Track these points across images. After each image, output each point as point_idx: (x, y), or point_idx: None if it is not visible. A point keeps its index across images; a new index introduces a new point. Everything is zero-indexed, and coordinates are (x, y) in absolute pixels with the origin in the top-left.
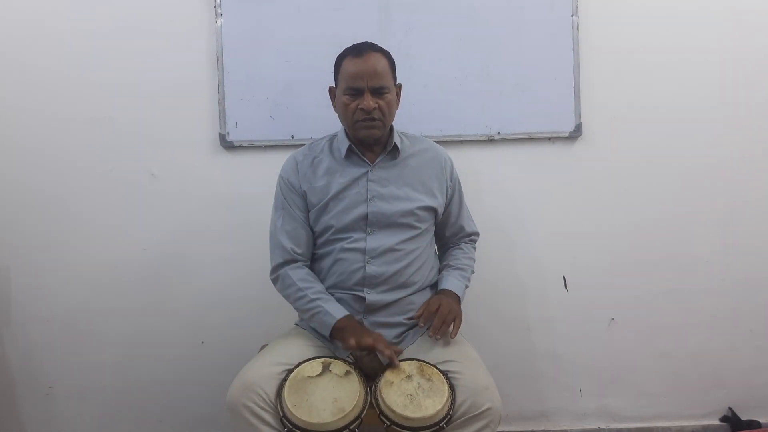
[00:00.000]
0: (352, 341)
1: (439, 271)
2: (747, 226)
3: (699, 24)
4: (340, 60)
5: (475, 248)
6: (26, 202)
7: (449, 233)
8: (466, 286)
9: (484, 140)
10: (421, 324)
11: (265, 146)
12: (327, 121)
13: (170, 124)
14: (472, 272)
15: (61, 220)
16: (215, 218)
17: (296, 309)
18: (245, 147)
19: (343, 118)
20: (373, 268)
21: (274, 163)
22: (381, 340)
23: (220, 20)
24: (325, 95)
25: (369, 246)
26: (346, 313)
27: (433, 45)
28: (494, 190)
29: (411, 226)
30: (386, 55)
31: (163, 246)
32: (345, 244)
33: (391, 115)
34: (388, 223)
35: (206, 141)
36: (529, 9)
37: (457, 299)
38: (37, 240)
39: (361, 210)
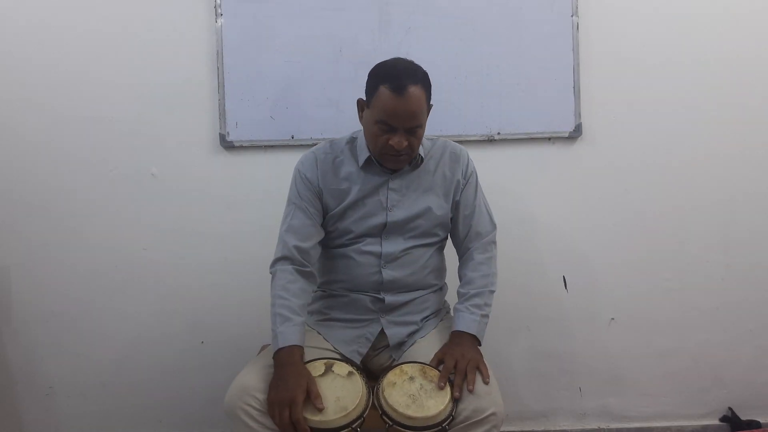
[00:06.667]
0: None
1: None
2: (747, 226)
3: (698, 24)
4: (376, 83)
5: (491, 249)
6: (26, 202)
7: (462, 234)
8: (484, 316)
9: (484, 140)
10: (441, 385)
11: (265, 146)
12: (327, 122)
13: (170, 124)
14: (492, 290)
15: (61, 220)
16: (215, 218)
17: None
18: (245, 147)
19: (371, 144)
20: (389, 273)
21: (274, 164)
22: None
23: (220, 20)
24: (325, 95)
25: (384, 250)
26: (295, 342)
27: (433, 45)
28: (494, 190)
29: (428, 233)
30: (424, 84)
31: (163, 246)
32: (360, 246)
33: (420, 144)
34: (405, 230)
35: (206, 141)
36: (529, 9)
37: (472, 338)
38: (37, 240)
39: (380, 219)
